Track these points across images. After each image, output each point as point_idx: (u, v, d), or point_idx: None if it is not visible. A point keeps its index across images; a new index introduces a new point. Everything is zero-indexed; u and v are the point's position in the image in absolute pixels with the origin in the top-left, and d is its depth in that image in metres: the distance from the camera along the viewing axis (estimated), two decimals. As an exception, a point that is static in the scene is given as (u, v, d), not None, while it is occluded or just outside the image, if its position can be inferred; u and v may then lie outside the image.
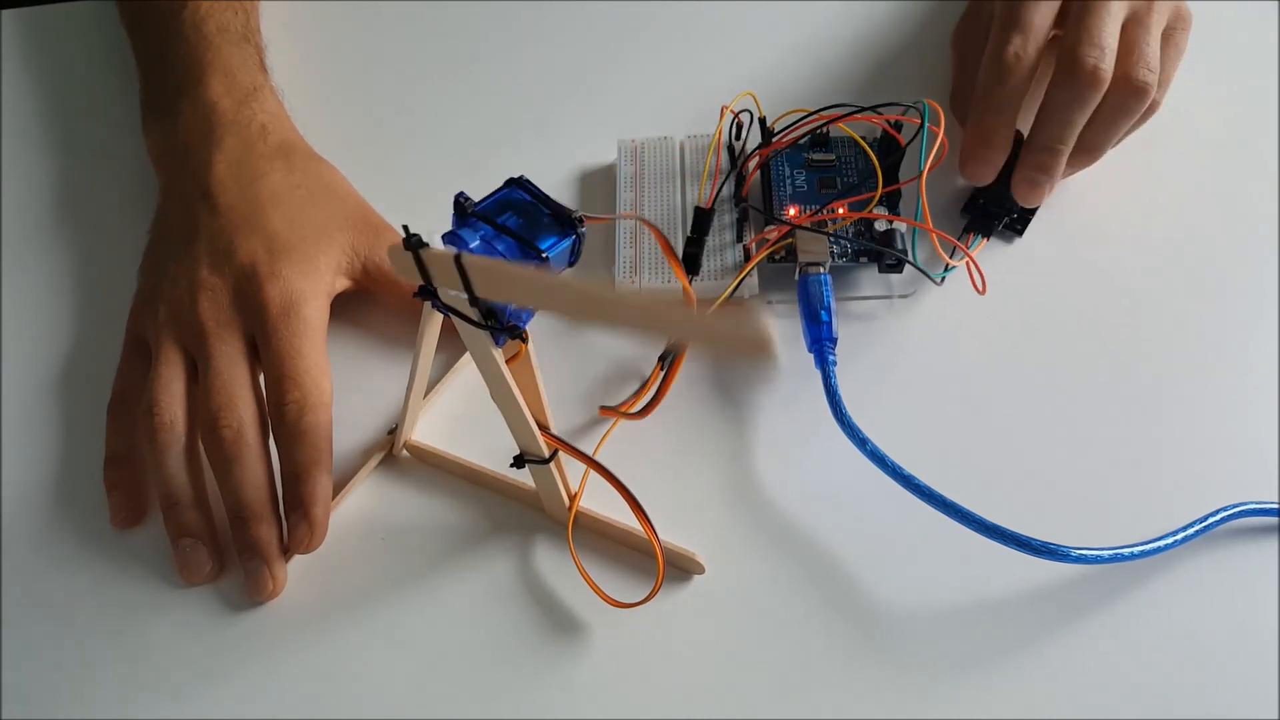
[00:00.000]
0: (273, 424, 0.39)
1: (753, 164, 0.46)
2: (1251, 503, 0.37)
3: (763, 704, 0.35)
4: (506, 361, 0.34)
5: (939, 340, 0.43)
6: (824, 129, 0.46)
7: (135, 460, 0.41)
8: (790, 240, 0.43)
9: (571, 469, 0.38)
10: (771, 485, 0.39)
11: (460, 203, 0.32)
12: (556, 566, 0.38)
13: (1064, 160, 0.43)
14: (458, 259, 0.30)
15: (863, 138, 0.46)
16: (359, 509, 0.40)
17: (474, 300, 0.31)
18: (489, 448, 0.40)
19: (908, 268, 0.42)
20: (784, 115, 0.46)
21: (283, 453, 0.39)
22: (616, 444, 0.40)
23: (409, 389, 0.39)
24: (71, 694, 0.36)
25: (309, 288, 0.41)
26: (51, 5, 0.59)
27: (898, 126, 0.45)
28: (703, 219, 0.44)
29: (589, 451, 0.36)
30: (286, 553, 0.38)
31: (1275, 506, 0.37)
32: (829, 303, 0.41)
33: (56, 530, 0.40)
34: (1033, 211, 0.46)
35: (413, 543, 0.39)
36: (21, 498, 0.41)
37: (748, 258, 0.43)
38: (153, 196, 0.47)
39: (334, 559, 0.39)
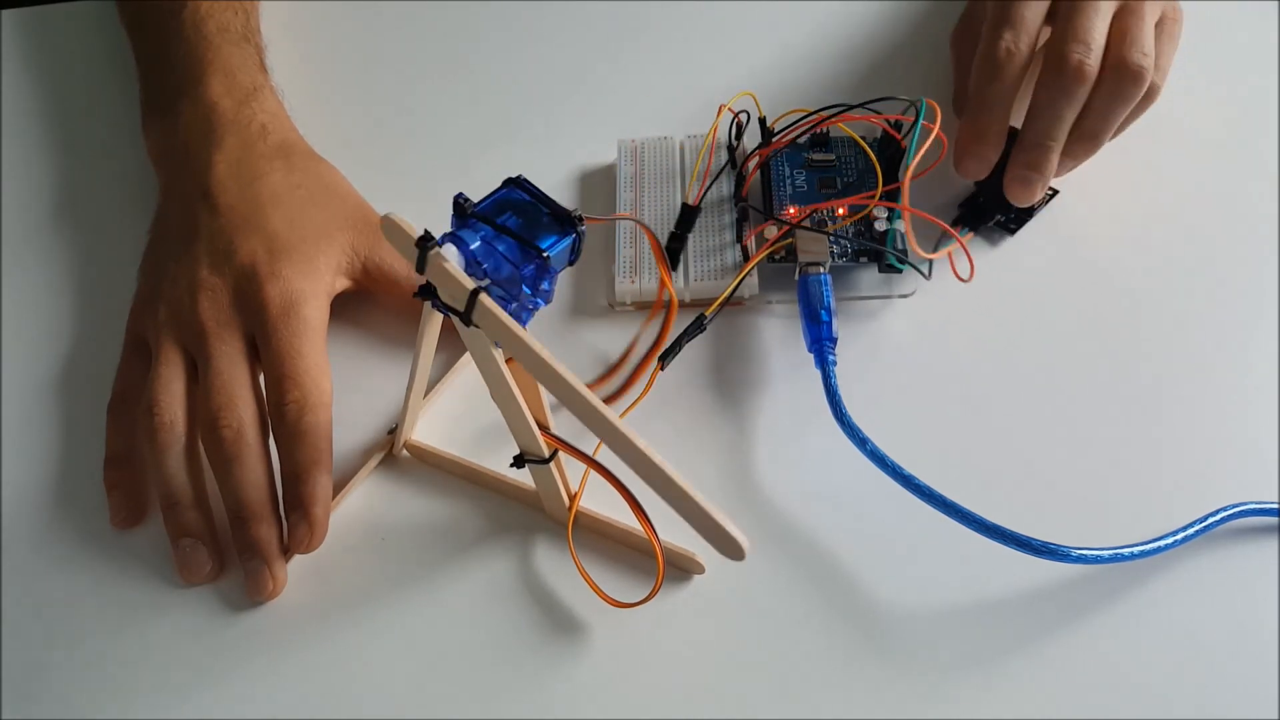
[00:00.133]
0: (273, 424, 0.39)
1: (752, 164, 0.46)
2: (1251, 503, 0.37)
3: (763, 704, 0.35)
4: (506, 361, 0.34)
5: (939, 340, 0.43)
6: (824, 129, 0.46)
7: (135, 460, 0.41)
8: (790, 240, 0.43)
9: (571, 469, 0.38)
10: (772, 485, 0.39)
11: (460, 203, 0.32)
12: (556, 566, 0.38)
13: (1055, 157, 0.43)
14: (475, 293, 0.31)
15: (862, 137, 0.46)
16: (359, 509, 0.40)
17: (468, 321, 0.31)
18: (489, 448, 0.40)
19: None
20: (784, 115, 0.46)
21: (283, 453, 0.39)
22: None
23: (409, 389, 0.39)
24: (71, 694, 0.36)
25: (309, 288, 0.41)
26: (51, 5, 0.59)
27: (897, 126, 0.45)
28: (688, 216, 0.45)
29: (589, 451, 0.36)
30: (286, 553, 0.38)
31: (1275, 506, 0.37)
32: (829, 303, 0.41)
33: (56, 530, 0.40)
34: (1031, 211, 0.46)
35: (413, 543, 0.39)
36: (21, 498, 0.41)
37: (747, 257, 0.43)
38: (153, 196, 0.47)
39: (334, 559, 0.39)
